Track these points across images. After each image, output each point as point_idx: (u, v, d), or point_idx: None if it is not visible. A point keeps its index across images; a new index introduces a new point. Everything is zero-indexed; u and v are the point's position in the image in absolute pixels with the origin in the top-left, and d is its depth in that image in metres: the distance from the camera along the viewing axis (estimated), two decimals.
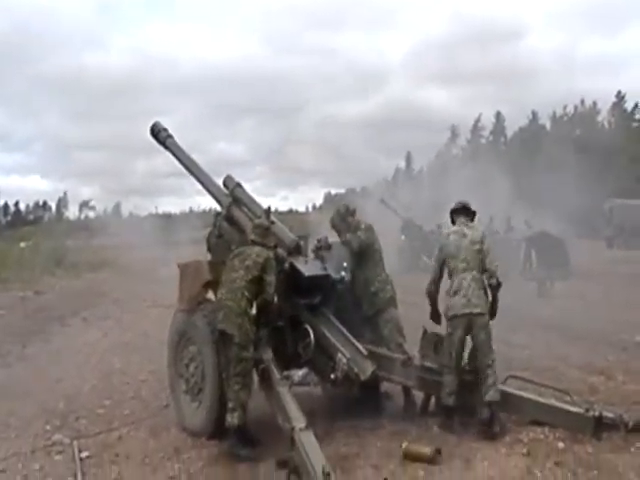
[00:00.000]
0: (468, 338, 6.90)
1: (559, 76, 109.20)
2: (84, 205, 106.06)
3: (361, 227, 7.97)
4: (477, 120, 78.51)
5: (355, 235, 7.86)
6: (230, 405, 6.44)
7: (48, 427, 7.71)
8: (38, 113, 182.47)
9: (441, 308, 7.11)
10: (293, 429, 5.68)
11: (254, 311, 6.76)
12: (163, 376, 8.52)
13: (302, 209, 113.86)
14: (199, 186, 8.88)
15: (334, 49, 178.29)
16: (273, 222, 7.57)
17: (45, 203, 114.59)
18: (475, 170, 37.03)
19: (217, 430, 6.82)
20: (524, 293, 16.92)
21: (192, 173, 8.90)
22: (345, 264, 7.95)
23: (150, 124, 9.45)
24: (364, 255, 7.86)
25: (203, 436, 6.95)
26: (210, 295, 7.48)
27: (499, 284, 6.87)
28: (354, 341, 7.04)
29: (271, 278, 6.70)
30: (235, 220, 7.97)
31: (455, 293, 6.88)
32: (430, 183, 47.06)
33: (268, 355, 6.78)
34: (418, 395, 7.54)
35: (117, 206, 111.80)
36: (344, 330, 7.19)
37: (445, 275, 7.19)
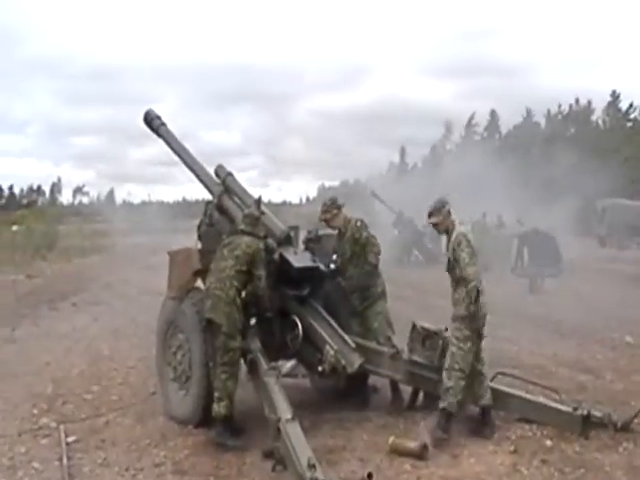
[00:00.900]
0: None
1: (554, 74, 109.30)
2: (78, 190, 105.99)
3: (352, 224, 7.92)
4: (471, 117, 78.48)
5: (357, 271, 7.82)
6: (217, 394, 6.42)
7: (35, 411, 7.70)
8: (35, 95, 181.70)
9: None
10: (279, 420, 5.66)
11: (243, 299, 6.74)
12: (151, 363, 8.50)
13: (296, 201, 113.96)
14: (191, 174, 8.85)
15: (328, 40, 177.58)
16: (263, 212, 7.53)
17: (39, 187, 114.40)
18: (469, 166, 37.02)
19: (204, 418, 6.80)
20: (515, 289, 16.95)
21: (184, 161, 8.87)
22: (335, 257, 7.93)
23: (145, 111, 9.42)
24: (356, 250, 7.82)
25: (189, 424, 6.94)
26: (199, 284, 7.46)
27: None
28: (342, 333, 7.03)
29: (260, 272, 6.68)
30: (226, 209, 7.93)
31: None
32: (424, 178, 47.02)
33: (256, 345, 6.76)
34: (405, 390, 7.52)
35: (111, 192, 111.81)
36: (332, 322, 7.18)
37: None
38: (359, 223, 7.92)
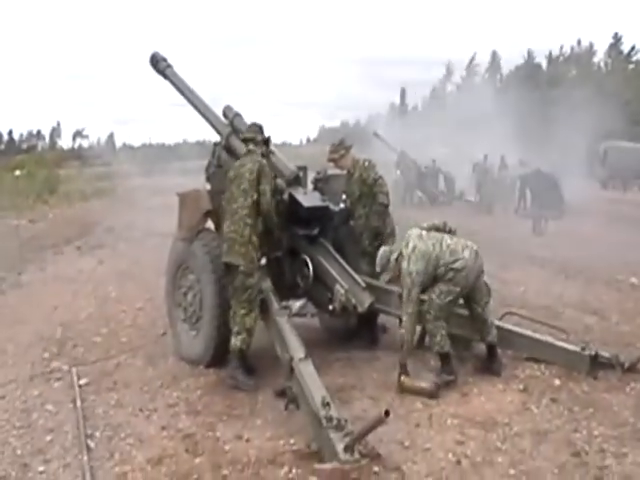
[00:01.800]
0: None
1: (556, 15, 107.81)
2: (77, 134, 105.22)
3: (361, 165, 7.89)
4: (472, 58, 77.66)
5: (366, 211, 7.80)
6: (235, 329, 6.48)
7: (46, 354, 7.74)
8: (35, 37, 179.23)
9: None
10: (292, 359, 5.69)
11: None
12: (159, 304, 8.54)
13: (296, 142, 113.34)
14: (198, 115, 8.78)
15: None
16: (272, 152, 7.51)
17: (39, 132, 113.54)
18: (470, 107, 36.70)
19: (215, 359, 6.89)
20: (518, 231, 16.97)
21: (191, 103, 8.79)
22: (344, 197, 7.92)
23: (151, 53, 9.31)
24: (365, 190, 7.79)
25: (201, 365, 7.00)
26: (209, 224, 7.46)
27: None
28: (352, 273, 7.05)
29: (264, 186, 6.62)
30: (234, 150, 7.86)
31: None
32: (424, 119, 46.67)
33: (267, 285, 6.79)
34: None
35: (110, 136, 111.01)
36: (342, 262, 7.20)
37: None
38: (367, 163, 7.90)
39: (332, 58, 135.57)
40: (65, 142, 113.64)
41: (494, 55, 75.55)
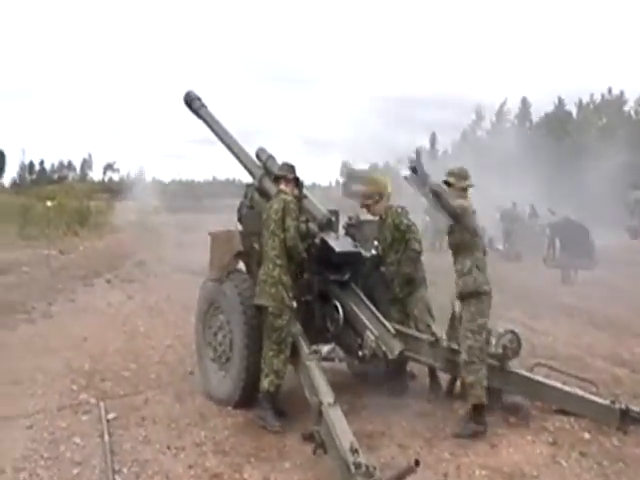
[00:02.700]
0: None
1: (587, 62, 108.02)
2: (108, 167, 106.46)
3: (393, 211, 7.91)
4: (503, 103, 77.71)
5: (398, 257, 7.78)
6: (265, 370, 6.52)
7: (74, 387, 7.80)
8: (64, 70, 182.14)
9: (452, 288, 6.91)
10: (321, 403, 5.68)
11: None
12: (188, 342, 8.59)
13: (325, 183, 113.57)
14: (230, 155, 8.88)
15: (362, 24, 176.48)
16: (305, 196, 7.60)
17: (70, 163, 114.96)
18: (499, 153, 36.74)
19: (243, 400, 6.89)
20: (547, 279, 16.88)
21: (225, 143, 8.89)
22: (375, 243, 7.94)
23: (185, 92, 9.43)
24: (397, 236, 7.81)
25: (229, 405, 7.00)
26: (240, 265, 7.52)
27: None
28: (383, 319, 7.04)
29: (289, 223, 6.67)
30: (266, 192, 7.95)
31: (478, 269, 6.60)
32: (454, 164, 46.71)
33: (297, 328, 6.81)
34: (443, 377, 7.53)
35: (141, 170, 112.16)
36: (373, 308, 7.20)
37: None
38: (400, 210, 7.91)
39: (360, 98, 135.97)
40: (96, 174, 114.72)
41: (524, 101, 75.56)
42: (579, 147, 46.68)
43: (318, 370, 6.32)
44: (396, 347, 6.78)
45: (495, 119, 77.75)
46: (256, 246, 7.17)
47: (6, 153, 79.31)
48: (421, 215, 24.56)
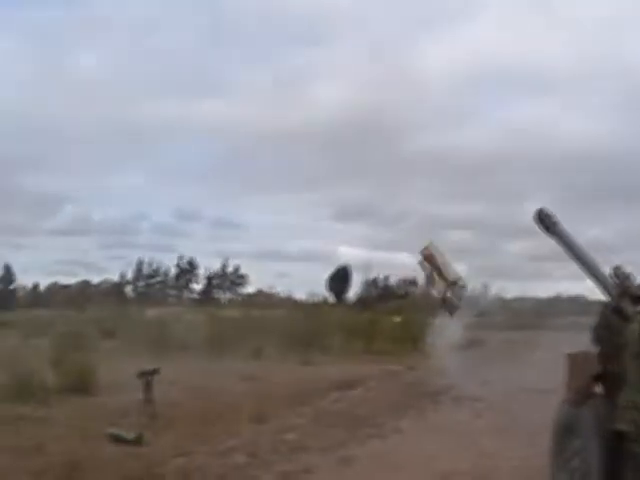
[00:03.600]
0: None
1: None
2: (452, 284, 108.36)
3: None
4: None
5: None
6: None
7: None
8: (406, 192, 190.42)
9: None
10: None
11: None
12: (535, 464, 8.29)
13: None
14: (584, 274, 8.64)
15: None
16: None
17: (414, 279, 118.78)
18: None
19: None
20: None
21: (580, 261, 8.67)
22: None
23: (535, 209, 9.39)
24: None
25: None
26: (597, 389, 7.20)
27: None
28: None
29: None
30: (624, 312, 7.58)
31: None
32: None
33: None
34: None
35: (485, 286, 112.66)
36: None
37: None
38: None
39: None
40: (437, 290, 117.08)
41: None
42: None
43: None
44: None
45: None
46: (614, 369, 6.83)
47: (353, 268, 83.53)
48: None
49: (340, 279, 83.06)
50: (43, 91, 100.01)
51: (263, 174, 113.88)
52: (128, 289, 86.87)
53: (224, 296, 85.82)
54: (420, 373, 20.85)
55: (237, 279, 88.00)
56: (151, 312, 42.71)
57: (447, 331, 35.19)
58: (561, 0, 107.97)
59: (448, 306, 35.26)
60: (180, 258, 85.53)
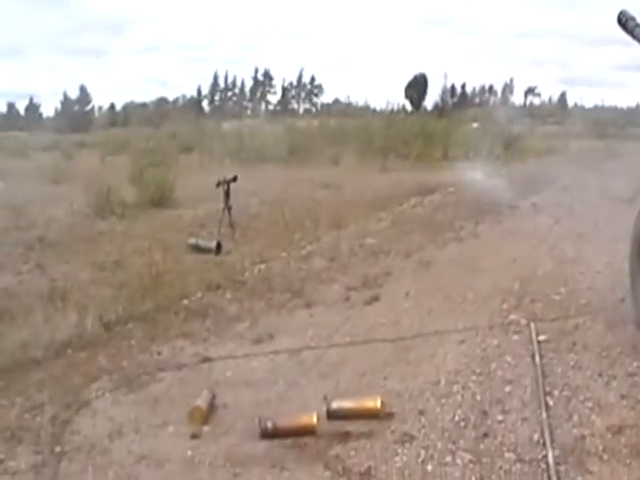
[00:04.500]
0: None
1: None
2: (529, 92, 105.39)
3: None
4: None
5: None
6: None
7: (504, 306, 7.93)
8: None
9: None
10: None
11: None
12: (617, 270, 8.25)
13: None
14: None
15: None
16: None
17: (491, 87, 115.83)
18: None
19: None
20: None
21: None
22: None
23: (617, 12, 8.86)
24: None
25: None
26: None
27: None
28: None
29: None
30: None
31: None
32: None
33: None
34: None
35: (562, 95, 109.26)
36: None
37: None
38: None
39: None
40: (517, 98, 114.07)
41: None
42: None
43: None
44: None
45: None
46: None
47: (429, 77, 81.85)
48: None
49: (418, 87, 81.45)
50: None
51: None
52: (204, 104, 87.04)
53: (301, 107, 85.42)
54: (498, 179, 20.60)
55: (313, 89, 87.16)
56: (228, 125, 42.95)
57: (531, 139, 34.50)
58: None
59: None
60: (256, 70, 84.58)
